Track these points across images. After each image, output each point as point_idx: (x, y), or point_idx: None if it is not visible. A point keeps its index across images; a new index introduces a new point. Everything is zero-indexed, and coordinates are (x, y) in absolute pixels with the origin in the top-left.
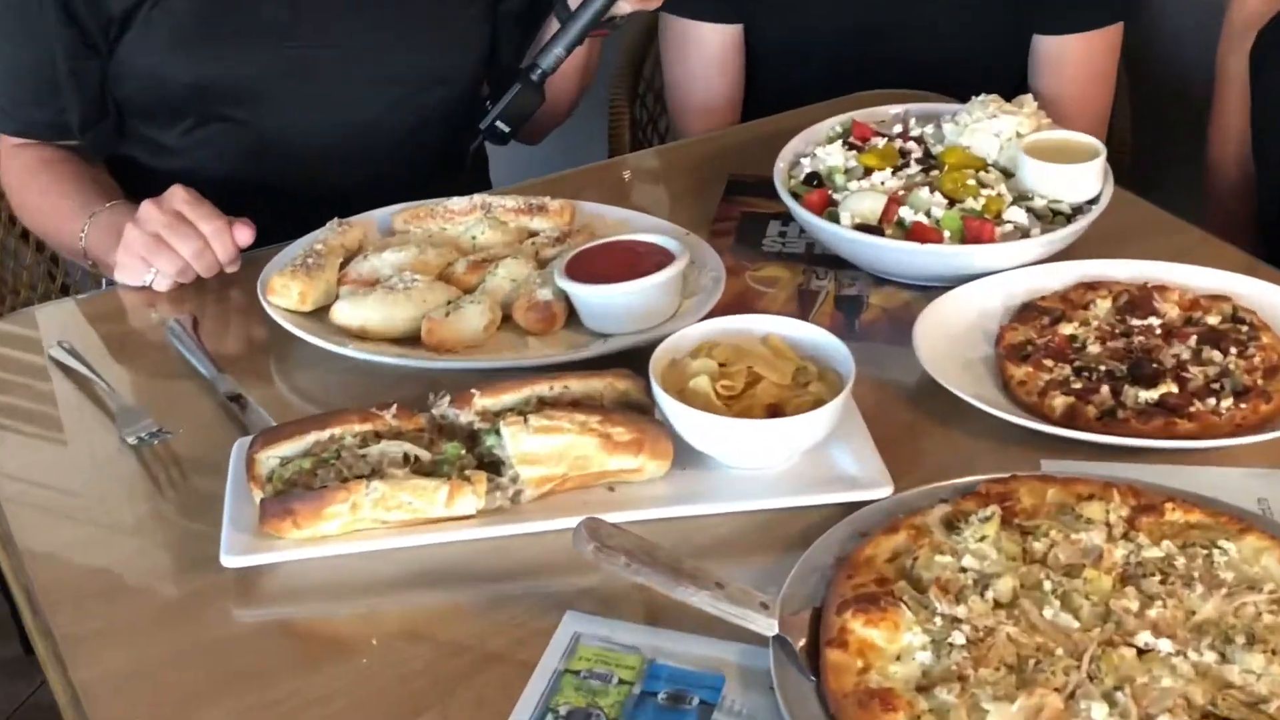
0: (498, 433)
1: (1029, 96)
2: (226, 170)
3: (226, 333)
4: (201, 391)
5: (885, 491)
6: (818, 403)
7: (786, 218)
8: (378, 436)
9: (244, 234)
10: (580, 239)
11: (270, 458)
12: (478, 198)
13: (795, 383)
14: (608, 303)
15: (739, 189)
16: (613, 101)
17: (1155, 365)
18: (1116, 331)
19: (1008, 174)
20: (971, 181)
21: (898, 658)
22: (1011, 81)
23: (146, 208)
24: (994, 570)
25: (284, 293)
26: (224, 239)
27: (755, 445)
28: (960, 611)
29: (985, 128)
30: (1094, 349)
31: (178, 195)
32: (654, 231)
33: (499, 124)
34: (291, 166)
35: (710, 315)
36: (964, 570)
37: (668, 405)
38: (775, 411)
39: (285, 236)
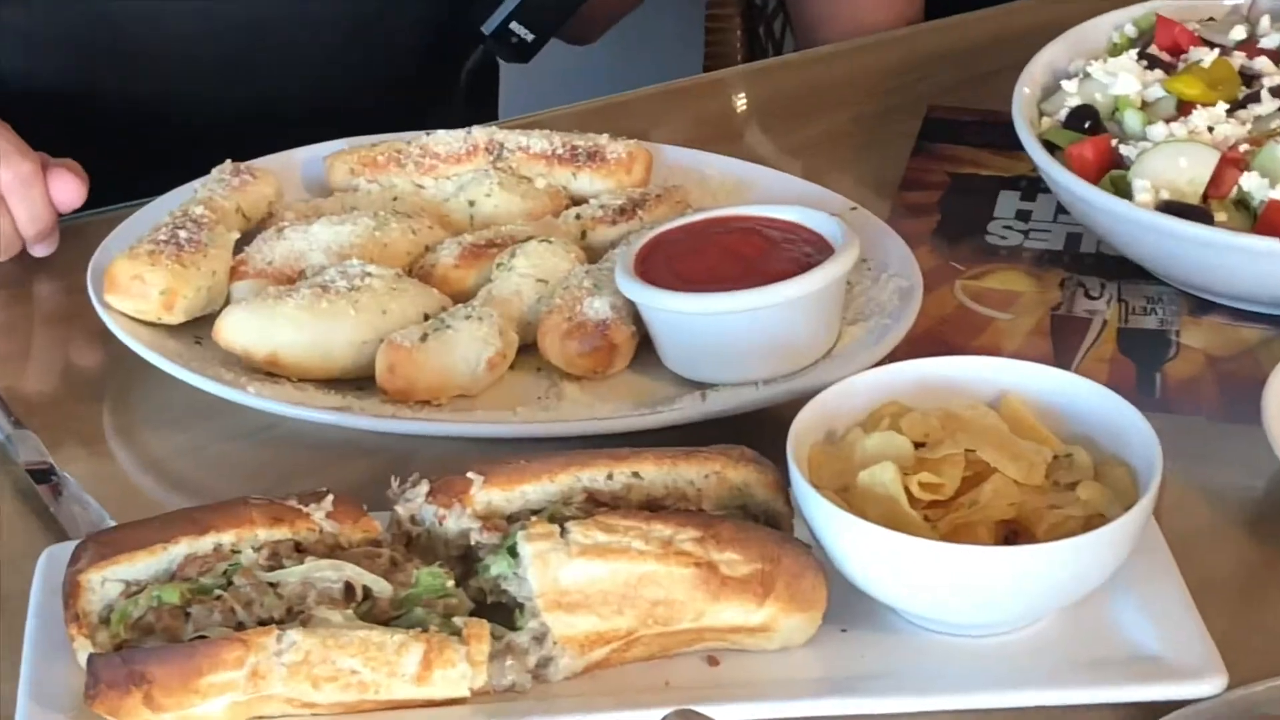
0: (513, 553)
1: None
2: (44, 74)
3: (30, 358)
4: None
5: (1213, 685)
6: (1091, 521)
7: (1033, 185)
8: (299, 551)
9: (68, 187)
10: (662, 211)
11: (108, 582)
12: (481, 133)
13: (1051, 482)
14: (712, 326)
15: (944, 132)
16: None
17: None
18: None
19: None
20: None
21: None
22: None
23: None
24: None
25: (134, 290)
26: (32, 193)
27: (978, 591)
28: None
29: None
30: None
31: None
32: (795, 203)
33: (515, 27)
34: (153, 71)
35: (896, 356)
36: None
37: (821, 514)
38: (1015, 533)
39: (139, 193)
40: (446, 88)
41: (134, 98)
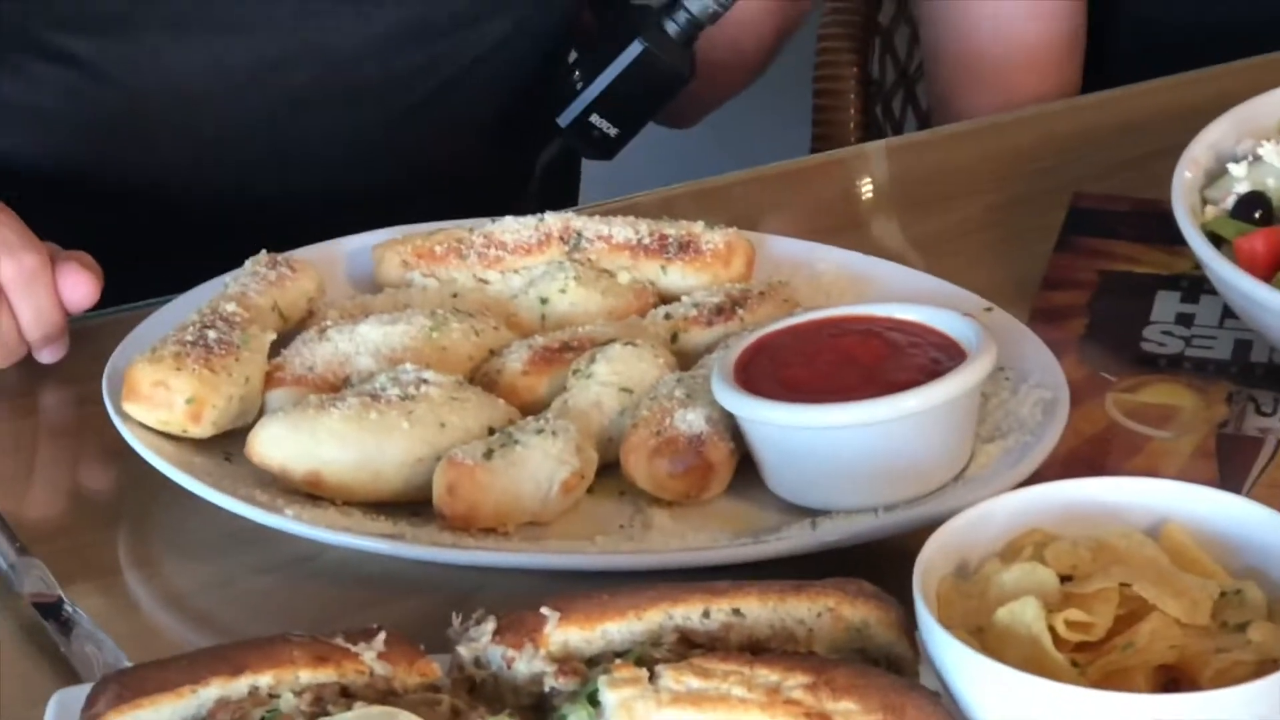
0: (593, 701)
1: None
2: (57, 156)
3: (36, 477)
4: None
5: None
6: (1264, 666)
7: (1195, 285)
8: (346, 696)
9: (80, 283)
10: (765, 311)
11: None
12: (555, 219)
13: (1218, 623)
14: (824, 442)
15: (1092, 223)
16: (825, 46)
17: None
18: None
19: None
20: None
21: None
22: None
23: None
24: None
25: (157, 398)
26: (38, 290)
27: None
28: None
29: None
30: None
31: None
32: (921, 302)
33: (596, 120)
34: (182, 153)
35: (1037, 479)
36: None
37: (952, 657)
38: (1176, 680)
39: (163, 289)
40: (518, 182)
41: (158, 183)
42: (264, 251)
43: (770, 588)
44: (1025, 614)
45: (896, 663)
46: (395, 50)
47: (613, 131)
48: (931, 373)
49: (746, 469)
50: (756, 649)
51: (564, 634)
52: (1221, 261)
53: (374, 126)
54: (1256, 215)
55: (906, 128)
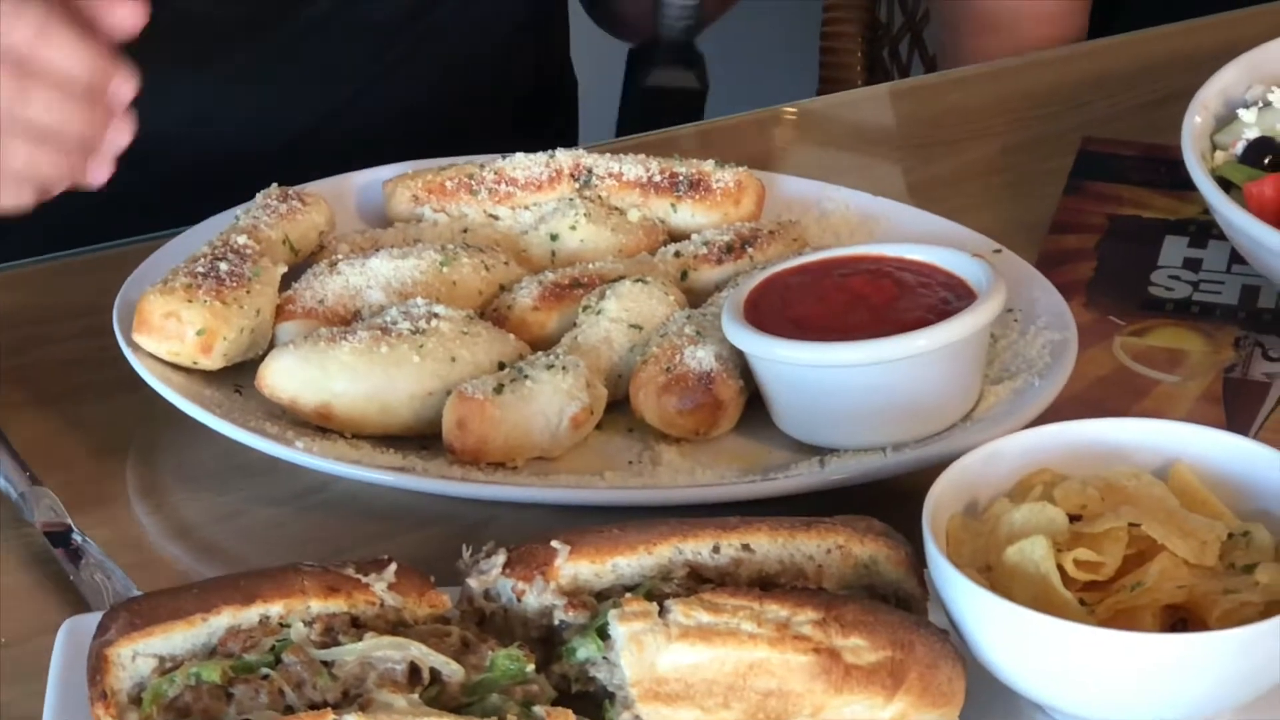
0: (603, 634)
1: None
2: None
3: (46, 407)
4: None
5: None
6: (1271, 608)
7: (1203, 230)
8: (356, 626)
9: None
10: (775, 250)
11: (140, 656)
12: (566, 156)
13: (1225, 564)
14: (833, 381)
15: (1101, 167)
16: None
17: None
18: None
19: None
20: None
21: None
22: None
23: None
24: None
25: (168, 329)
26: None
27: (1142, 685)
28: None
29: None
30: None
31: None
32: (931, 243)
33: None
34: (188, 89)
35: (1044, 421)
36: None
37: (961, 595)
38: (1183, 620)
39: (172, 221)
40: (548, 106)
41: (172, 120)
42: (275, 185)
43: (780, 524)
44: (1034, 552)
45: (905, 600)
46: None
47: None
48: (941, 313)
49: (755, 407)
50: (766, 585)
51: (574, 567)
52: (1231, 206)
53: (376, 64)
54: (1266, 161)
55: (913, 73)
